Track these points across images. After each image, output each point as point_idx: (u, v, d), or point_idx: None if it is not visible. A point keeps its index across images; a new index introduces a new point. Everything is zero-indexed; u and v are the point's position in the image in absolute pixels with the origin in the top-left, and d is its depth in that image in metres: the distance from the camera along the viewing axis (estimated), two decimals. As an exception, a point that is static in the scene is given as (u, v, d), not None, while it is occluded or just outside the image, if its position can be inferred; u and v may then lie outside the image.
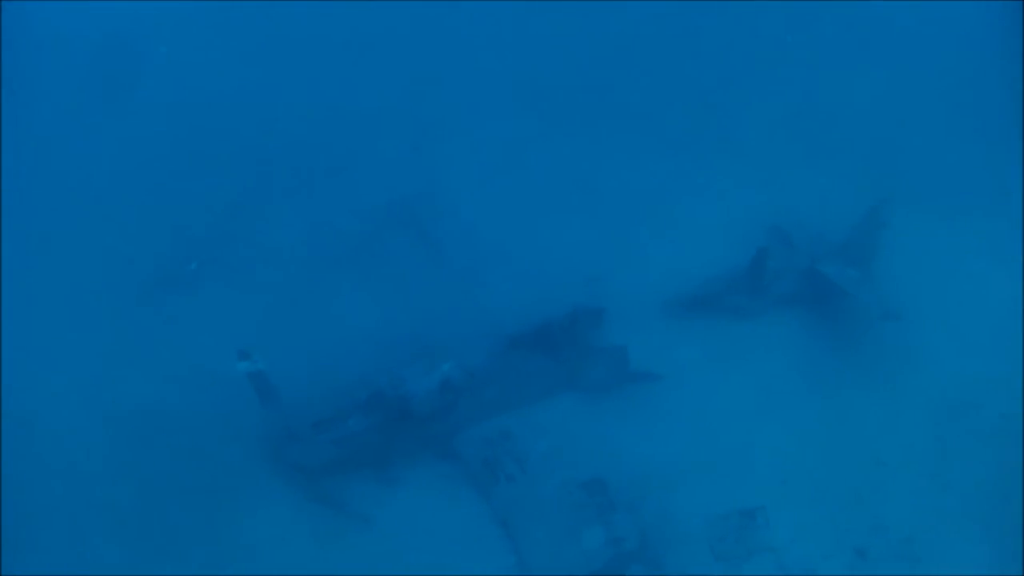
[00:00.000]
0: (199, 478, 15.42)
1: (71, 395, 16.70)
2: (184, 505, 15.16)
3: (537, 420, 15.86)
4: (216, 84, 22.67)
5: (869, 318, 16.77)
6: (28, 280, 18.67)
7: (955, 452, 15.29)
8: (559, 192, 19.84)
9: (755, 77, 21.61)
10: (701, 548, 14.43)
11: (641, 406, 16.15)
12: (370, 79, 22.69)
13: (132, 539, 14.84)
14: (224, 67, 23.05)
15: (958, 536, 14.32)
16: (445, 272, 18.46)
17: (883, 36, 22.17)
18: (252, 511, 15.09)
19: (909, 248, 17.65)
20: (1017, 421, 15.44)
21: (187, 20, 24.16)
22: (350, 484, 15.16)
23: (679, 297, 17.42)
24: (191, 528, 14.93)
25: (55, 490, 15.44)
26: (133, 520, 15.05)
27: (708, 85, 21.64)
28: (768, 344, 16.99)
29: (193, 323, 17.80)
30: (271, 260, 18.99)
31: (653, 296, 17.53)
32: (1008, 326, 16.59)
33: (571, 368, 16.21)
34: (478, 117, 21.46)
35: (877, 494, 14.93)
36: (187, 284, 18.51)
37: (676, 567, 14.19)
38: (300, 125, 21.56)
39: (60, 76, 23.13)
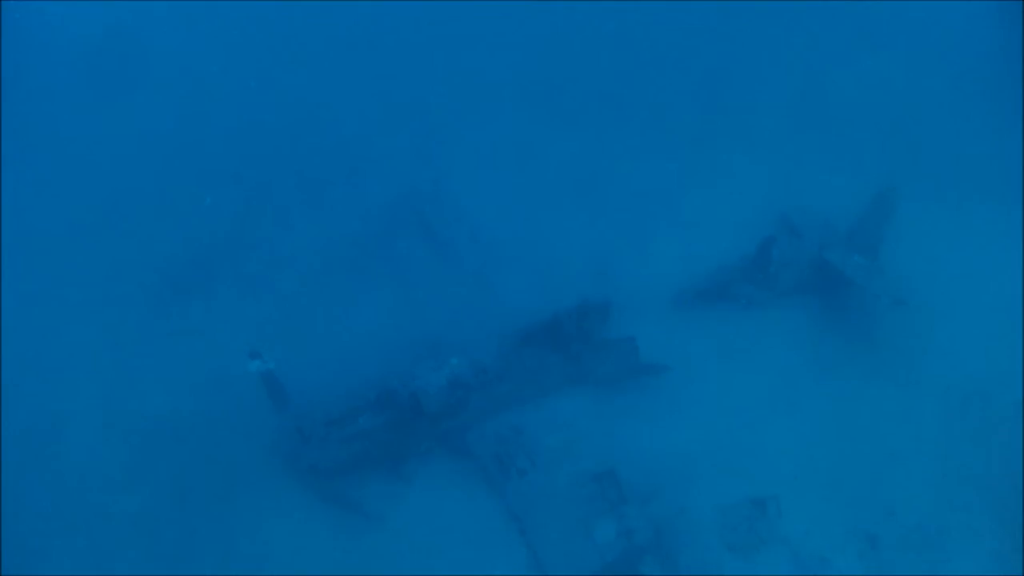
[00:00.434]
0: (213, 480, 15.53)
1: (85, 399, 16.84)
2: (198, 506, 15.29)
3: (548, 414, 15.94)
4: (225, 90, 22.69)
5: (877, 306, 16.77)
6: (39, 284, 18.79)
7: (965, 440, 15.38)
8: (567, 187, 19.88)
9: (761, 70, 21.57)
10: (713, 539, 14.53)
11: (651, 398, 16.22)
12: (377, 80, 22.69)
13: (147, 540, 15.02)
14: (232, 72, 23.05)
15: (968, 523, 14.42)
16: (454, 270, 18.52)
17: (890, 27, 22.07)
18: (266, 512, 15.22)
19: (916, 236, 17.71)
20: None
21: (193, 21, 24.15)
22: (363, 483, 15.25)
23: (688, 289, 17.49)
24: (205, 529, 15.06)
25: (72, 494, 15.60)
26: (147, 521, 15.22)
27: (714, 79, 21.60)
28: (777, 334, 17.06)
29: (205, 326, 17.89)
30: (281, 262, 19.07)
31: (662, 288, 17.59)
32: (1015, 314, 16.62)
33: (581, 362, 16.24)
34: (485, 113, 21.46)
35: (887, 482, 15.03)
36: (199, 288, 18.56)
37: (689, 558, 14.27)
38: (308, 128, 21.59)
39: (66, 79, 23.17)
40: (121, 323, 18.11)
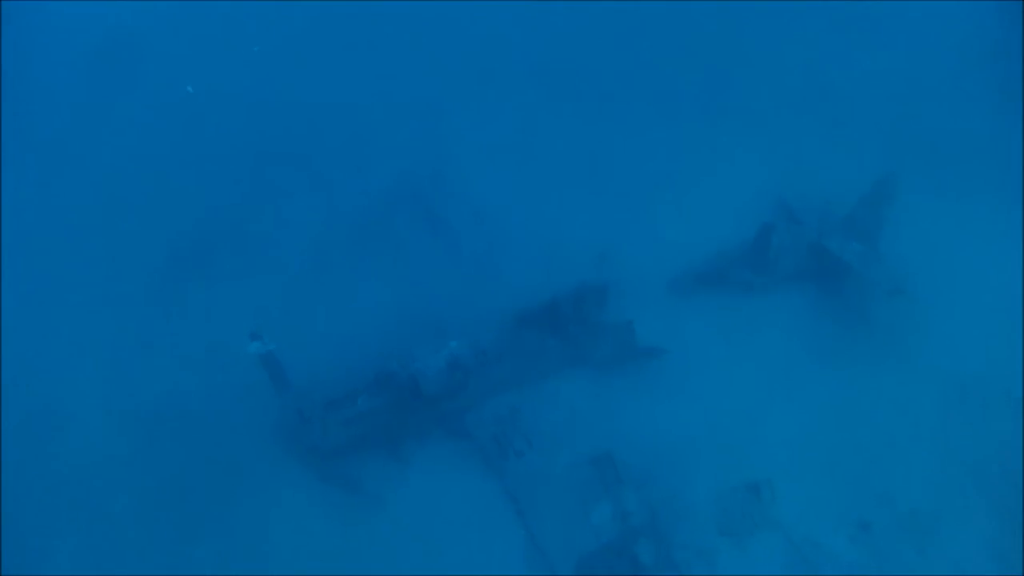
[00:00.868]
0: (212, 461, 15.63)
1: (84, 381, 16.90)
2: (197, 487, 15.41)
3: (546, 396, 16.08)
4: (225, 66, 22.55)
5: (875, 293, 16.79)
6: (37, 268, 18.79)
7: (960, 427, 15.49)
8: (566, 170, 19.78)
9: (761, 54, 21.38)
10: (708, 522, 14.71)
11: (648, 382, 16.30)
12: (379, 61, 22.52)
13: (145, 522, 15.16)
14: (232, 50, 22.89)
15: (962, 510, 14.58)
16: (454, 251, 18.54)
17: (892, 11, 21.90)
18: (265, 493, 15.35)
19: (915, 223, 17.64)
20: (1021, 396, 15.59)
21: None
22: (362, 464, 15.41)
23: (686, 273, 17.52)
24: (204, 510, 15.20)
25: (71, 476, 15.73)
26: (146, 503, 15.35)
27: (714, 62, 21.40)
28: (774, 319, 17.09)
29: (204, 307, 17.90)
30: (281, 243, 19.02)
31: (660, 272, 17.61)
32: (1014, 303, 16.67)
33: (579, 344, 16.32)
34: (485, 94, 21.33)
35: (882, 468, 15.15)
36: (199, 270, 18.54)
37: (683, 541, 14.45)
38: (310, 108, 21.44)
39: (68, 56, 23.01)
40: (121, 304, 18.09)
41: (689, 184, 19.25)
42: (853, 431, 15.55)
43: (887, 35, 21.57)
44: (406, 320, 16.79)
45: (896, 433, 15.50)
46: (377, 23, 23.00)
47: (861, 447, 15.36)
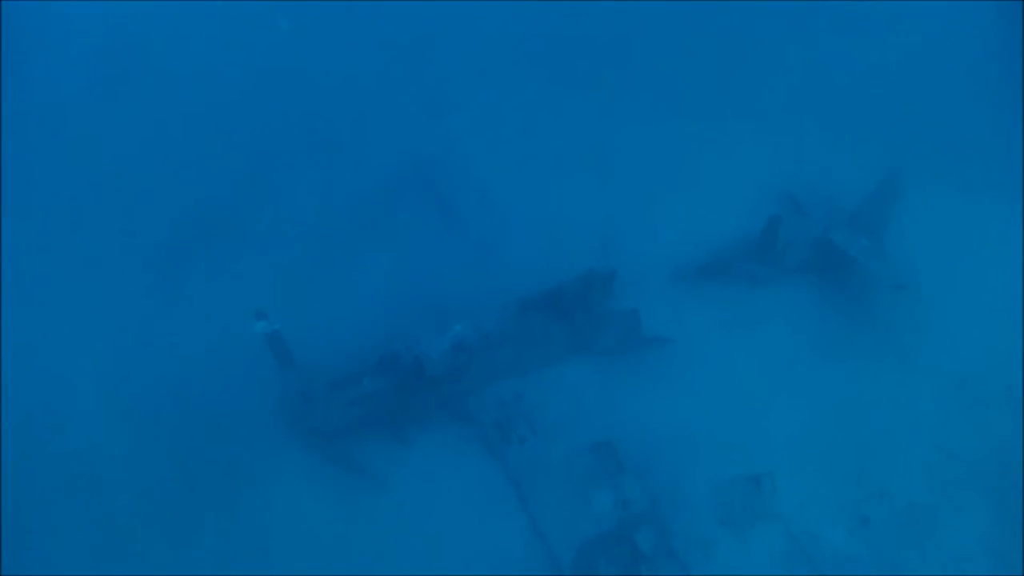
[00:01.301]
0: (216, 442, 15.66)
1: (88, 364, 16.93)
2: (200, 470, 15.42)
3: (549, 383, 16.11)
4: (231, 48, 22.40)
5: (879, 288, 16.87)
6: (38, 253, 18.76)
7: (959, 422, 15.57)
8: (573, 157, 19.76)
9: (769, 45, 21.35)
10: (708, 513, 14.77)
11: (652, 371, 16.35)
12: (383, 43, 22.41)
13: (148, 503, 15.17)
14: (238, 31, 22.73)
15: (960, 504, 14.66)
16: (459, 235, 18.53)
17: (899, 7, 21.86)
18: (269, 473, 15.39)
19: (921, 219, 17.69)
20: (1021, 393, 15.69)
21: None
22: (366, 445, 15.42)
23: (691, 263, 17.53)
24: (208, 492, 15.23)
25: (75, 458, 15.75)
26: (149, 485, 15.36)
27: (722, 52, 21.38)
28: (779, 312, 17.13)
29: (208, 289, 17.88)
30: (286, 225, 18.99)
31: (665, 262, 17.64)
32: (1014, 300, 16.74)
33: (583, 332, 16.33)
34: (492, 80, 21.26)
35: (882, 462, 15.22)
36: (204, 250, 18.51)
37: (683, 531, 14.51)
38: (315, 91, 21.34)
39: (71, 44, 22.80)
40: (124, 284, 18.07)
41: (695, 175, 19.26)
42: (854, 425, 15.62)
43: (892, 33, 21.55)
44: (411, 303, 16.82)
45: (896, 428, 15.57)
46: (384, 6, 22.83)
47: (862, 441, 15.43)
